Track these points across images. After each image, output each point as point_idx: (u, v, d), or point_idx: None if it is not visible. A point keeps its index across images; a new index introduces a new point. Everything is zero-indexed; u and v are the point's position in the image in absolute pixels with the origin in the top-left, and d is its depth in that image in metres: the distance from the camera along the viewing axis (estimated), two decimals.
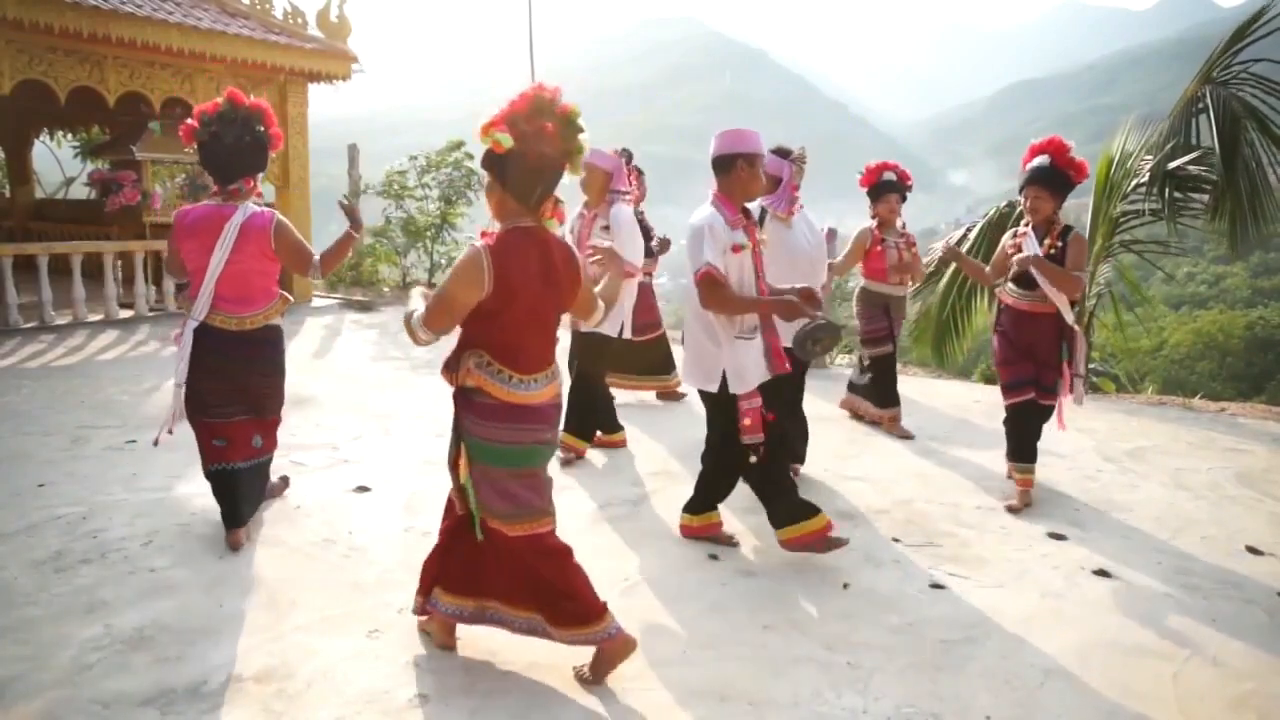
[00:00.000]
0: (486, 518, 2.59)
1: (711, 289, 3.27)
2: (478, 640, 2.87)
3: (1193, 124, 7.34)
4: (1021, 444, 4.36)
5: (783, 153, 4.29)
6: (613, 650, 2.62)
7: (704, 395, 3.54)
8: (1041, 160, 4.15)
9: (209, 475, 3.69)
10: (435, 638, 2.84)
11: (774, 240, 4.03)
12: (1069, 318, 4.17)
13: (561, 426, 4.85)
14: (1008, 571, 3.53)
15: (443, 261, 12.81)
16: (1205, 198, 7.14)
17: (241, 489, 3.69)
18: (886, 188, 5.46)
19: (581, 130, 2.55)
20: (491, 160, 2.49)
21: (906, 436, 5.51)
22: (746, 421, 3.40)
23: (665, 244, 6.29)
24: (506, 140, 2.44)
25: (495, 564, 2.66)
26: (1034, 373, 4.27)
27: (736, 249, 3.32)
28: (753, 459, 3.47)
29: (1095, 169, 8.24)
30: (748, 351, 3.41)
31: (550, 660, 2.76)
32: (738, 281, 3.34)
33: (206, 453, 3.66)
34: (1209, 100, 7.14)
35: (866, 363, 5.79)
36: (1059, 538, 3.90)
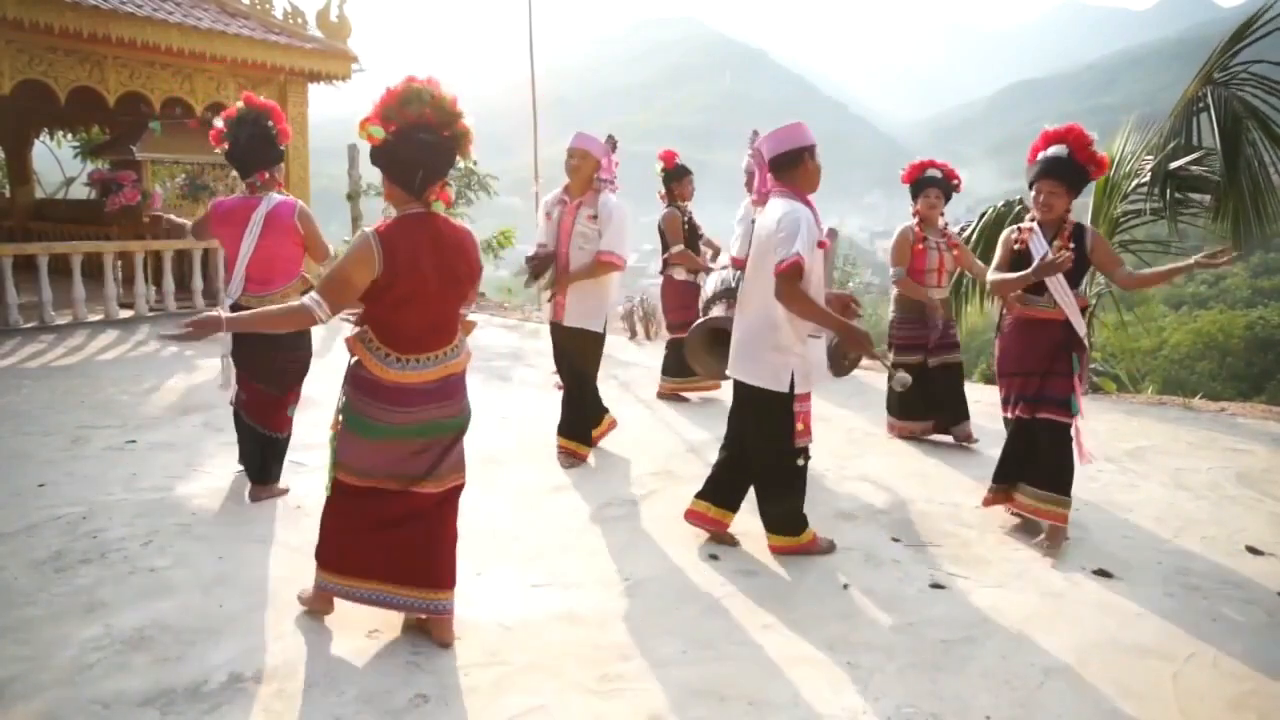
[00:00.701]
0: (338, 471, 2.77)
1: (796, 282, 3.17)
2: (477, 640, 2.87)
3: (1193, 124, 7.34)
4: (1003, 460, 3.99)
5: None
6: (437, 629, 2.83)
7: (757, 394, 3.41)
8: (1059, 150, 3.68)
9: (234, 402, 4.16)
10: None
11: None
12: (1080, 328, 3.76)
13: (559, 432, 4.85)
14: (1008, 571, 3.53)
15: None
16: (1206, 198, 7.14)
17: (249, 437, 4.13)
18: (927, 183, 5.22)
19: (459, 115, 2.65)
20: (373, 154, 2.63)
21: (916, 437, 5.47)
22: (800, 426, 3.39)
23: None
24: (379, 133, 2.57)
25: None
26: (1021, 386, 3.88)
27: (823, 245, 3.33)
28: (800, 462, 3.47)
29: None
30: (815, 350, 3.41)
31: (550, 660, 2.77)
32: (816, 278, 3.33)
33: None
34: (1210, 100, 7.14)
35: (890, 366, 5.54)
36: None
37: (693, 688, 2.64)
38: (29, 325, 8.50)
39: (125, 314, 9.33)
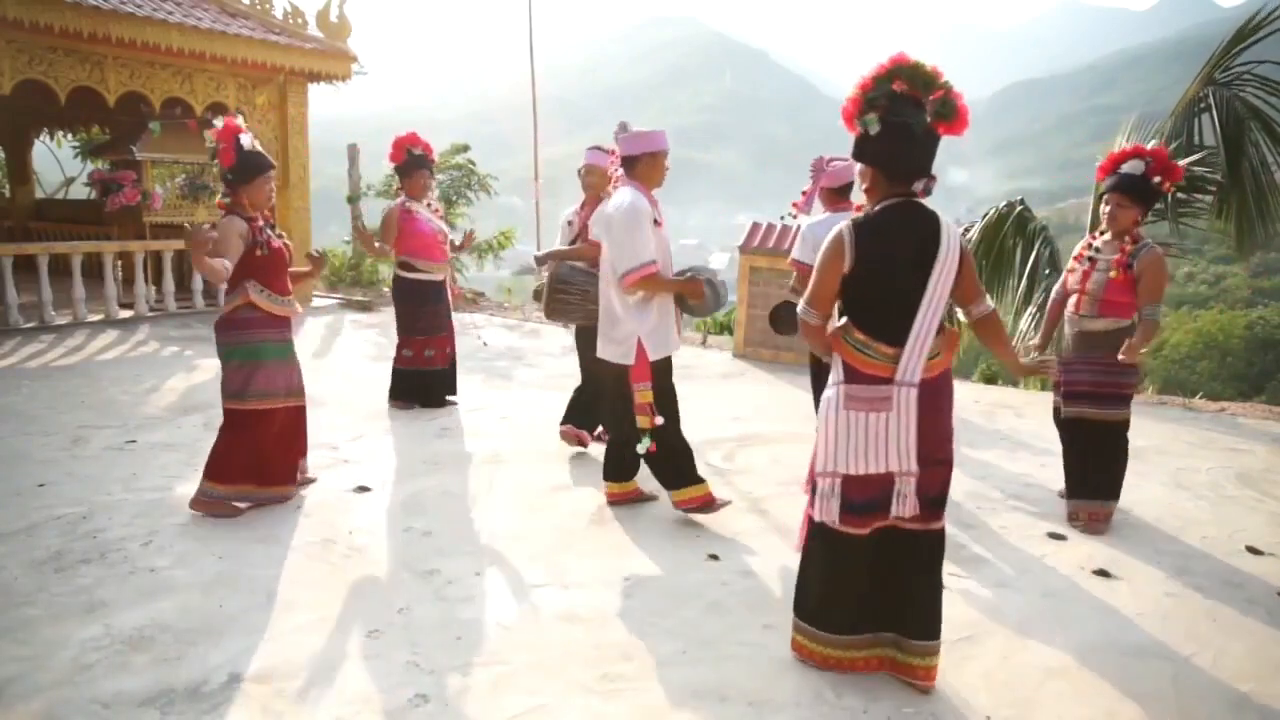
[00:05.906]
0: (249, 403, 3.85)
1: None
2: (477, 639, 2.87)
3: (1195, 124, 7.33)
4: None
5: (609, 151, 4.61)
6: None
7: None
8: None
9: None
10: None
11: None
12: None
13: (561, 420, 4.86)
14: (1007, 571, 3.53)
15: None
16: (1209, 198, 7.14)
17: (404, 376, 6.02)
18: (1113, 184, 4.05)
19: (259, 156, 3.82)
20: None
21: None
22: None
23: None
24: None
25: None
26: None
27: None
28: None
29: (1096, 169, 8.21)
30: None
31: (550, 660, 2.77)
32: None
33: None
34: (1211, 101, 7.13)
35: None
36: (1059, 538, 3.89)
37: (693, 688, 2.64)
38: (29, 325, 8.50)
39: (125, 314, 9.33)
